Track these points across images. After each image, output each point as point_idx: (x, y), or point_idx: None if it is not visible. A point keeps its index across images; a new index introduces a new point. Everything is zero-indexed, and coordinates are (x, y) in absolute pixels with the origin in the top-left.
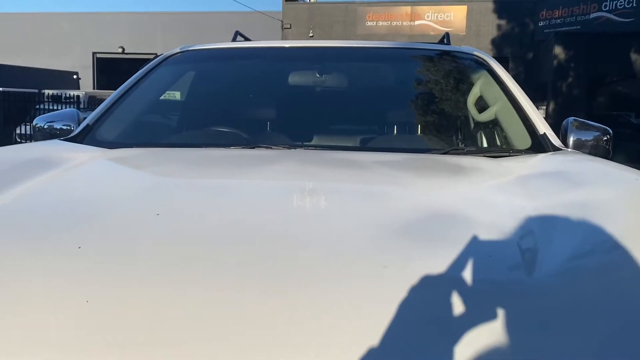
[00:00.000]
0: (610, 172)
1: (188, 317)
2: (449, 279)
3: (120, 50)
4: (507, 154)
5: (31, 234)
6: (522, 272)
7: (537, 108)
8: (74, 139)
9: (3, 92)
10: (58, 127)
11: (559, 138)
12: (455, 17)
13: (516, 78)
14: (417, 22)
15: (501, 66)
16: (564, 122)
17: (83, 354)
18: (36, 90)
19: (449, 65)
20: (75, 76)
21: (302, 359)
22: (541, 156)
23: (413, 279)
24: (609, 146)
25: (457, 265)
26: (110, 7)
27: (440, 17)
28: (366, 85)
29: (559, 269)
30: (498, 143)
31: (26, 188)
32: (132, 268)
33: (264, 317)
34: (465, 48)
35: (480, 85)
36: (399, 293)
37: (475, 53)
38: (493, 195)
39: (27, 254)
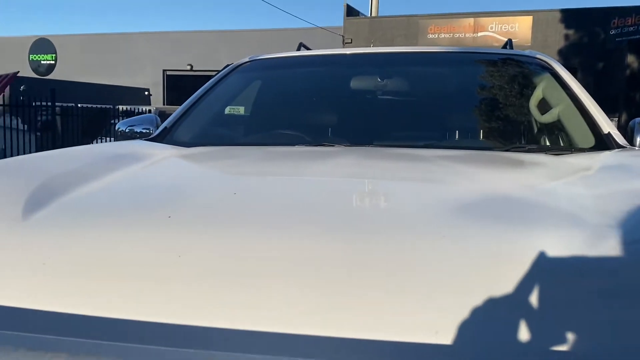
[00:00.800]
0: None
1: (265, 265)
2: (500, 254)
3: (188, 67)
4: (569, 151)
5: (129, 207)
6: (576, 250)
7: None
8: (154, 139)
9: (81, 107)
10: (138, 130)
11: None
12: (520, 28)
13: (585, 89)
14: (480, 34)
15: (565, 69)
16: (631, 123)
17: (179, 301)
18: (111, 106)
19: (510, 69)
20: (146, 92)
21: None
22: (604, 153)
23: (469, 250)
24: None
25: (508, 239)
26: (180, 26)
27: (505, 28)
28: (427, 89)
29: (613, 250)
30: (561, 143)
31: (120, 175)
32: (215, 229)
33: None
34: (528, 52)
35: (543, 88)
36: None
37: (538, 56)
38: (551, 183)
39: (128, 222)
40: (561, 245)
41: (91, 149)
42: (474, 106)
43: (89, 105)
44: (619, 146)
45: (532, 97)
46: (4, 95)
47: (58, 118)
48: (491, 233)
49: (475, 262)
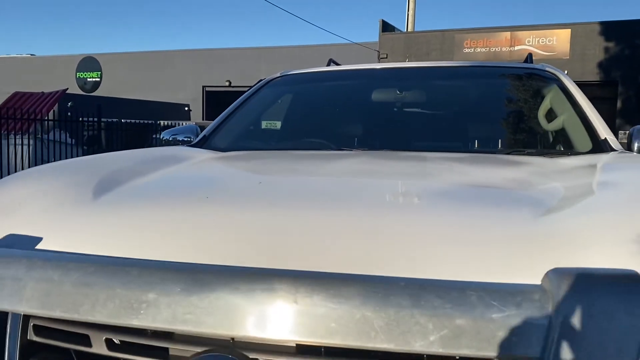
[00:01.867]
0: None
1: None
2: (468, 216)
3: (227, 83)
4: (566, 155)
5: (176, 192)
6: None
7: None
8: (194, 145)
9: (125, 123)
10: (180, 139)
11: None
12: (558, 41)
13: (626, 102)
14: (517, 48)
15: (571, 80)
16: (631, 130)
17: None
18: (152, 121)
19: (521, 82)
20: (186, 108)
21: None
22: (594, 155)
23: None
24: None
25: (473, 205)
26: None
27: (542, 42)
28: (440, 101)
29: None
30: (562, 148)
31: (166, 171)
32: (240, 206)
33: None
34: (539, 65)
35: (551, 98)
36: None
37: (548, 69)
38: (529, 176)
39: (175, 202)
40: (504, 216)
41: (143, 151)
42: (484, 115)
43: (132, 121)
44: (613, 150)
45: (540, 107)
46: (53, 111)
47: (103, 132)
48: (452, 206)
49: (438, 227)
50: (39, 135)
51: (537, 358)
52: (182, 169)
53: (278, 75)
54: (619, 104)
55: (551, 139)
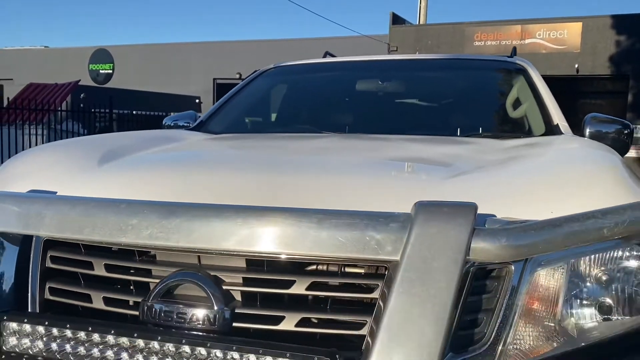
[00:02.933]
0: (572, 143)
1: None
2: (398, 178)
3: (237, 76)
4: (518, 137)
5: (166, 161)
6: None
7: None
8: (192, 129)
9: (136, 114)
10: (181, 124)
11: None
12: (569, 34)
13: (638, 96)
14: (527, 41)
15: (537, 72)
16: (585, 117)
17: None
18: (163, 113)
19: (491, 73)
20: (197, 100)
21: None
22: (540, 137)
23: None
24: (629, 140)
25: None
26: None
27: (553, 35)
28: (416, 89)
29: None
30: (520, 132)
31: (163, 147)
32: (218, 170)
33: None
34: (511, 58)
35: (517, 88)
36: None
37: (518, 62)
38: (468, 152)
39: (163, 166)
40: (415, 176)
41: (144, 132)
42: (452, 103)
43: (143, 112)
44: (561, 134)
45: (508, 95)
46: (66, 102)
47: (115, 124)
48: (376, 169)
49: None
50: (53, 126)
51: (397, 260)
52: (176, 146)
53: (272, 66)
54: (630, 98)
55: (513, 124)
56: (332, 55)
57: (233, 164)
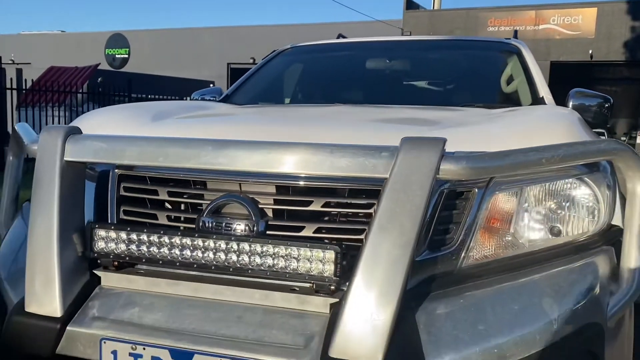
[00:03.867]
0: (546, 109)
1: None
2: (392, 129)
3: (251, 60)
4: (507, 107)
5: (204, 120)
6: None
7: None
8: (219, 101)
9: (152, 98)
10: (207, 98)
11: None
12: (583, 20)
13: None
14: (541, 27)
15: (529, 52)
16: (570, 91)
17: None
18: (178, 97)
19: (488, 52)
20: (211, 85)
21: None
22: (525, 107)
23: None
24: (608, 112)
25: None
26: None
27: (567, 21)
28: (421, 68)
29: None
30: (511, 103)
31: (198, 113)
32: (247, 124)
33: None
34: (508, 39)
35: (511, 66)
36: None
37: (513, 43)
38: (459, 116)
39: (202, 121)
40: (415, 129)
41: (181, 102)
42: (452, 79)
43: (160, 96)
44: (545, 104)
45: (504, 72)
46: (87, 84)
47: None
48: (377, 126)
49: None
50: (74, 108)
51: (387, 177)
52: (210, 112)
53: (288, 46)
54: None
55: (505, 96)
56: (344, 37)
57: (260, 120)
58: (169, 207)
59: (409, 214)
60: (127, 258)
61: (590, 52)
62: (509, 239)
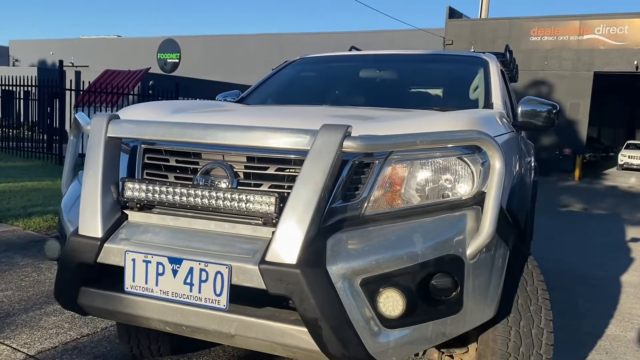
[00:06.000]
0: (473, 111)
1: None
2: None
3: None
4: (460, 109)
5: (217, 113)
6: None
7: None
8: (235, 102)
9: None
10: (229, 99)
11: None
12: (630, 31)
13: None
14: (585, 37)
15: (497, 64)
16: (522, 99)
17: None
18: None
19: (459, 65)
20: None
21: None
22: (472, 109)
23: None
24: (556, 117)
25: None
26: (289, 28)
27: (613, 31)
28: (403, 78)
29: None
30: (469, 108)
31: (214, 109)
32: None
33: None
34: (479, 53)
35: (478, 77)
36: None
37: (483, 57)
38: (399, 114)
39: (214, 113)
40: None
41: (200, 101)
42: (423, 87)
43: (203, 100)
44: (492, 109)
45: (472, 81)
46: (138, 87)
47: None
48: (327, 120)
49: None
50: None
51: (308, 149)
52: (218, 109)
53: (298, 57)
54: None
55: (464, 102)
56: (357, 49)
57: (248, 114)
58: (177, 170)
59: (319, 172)
60: (146, 202)
61: (636, 62)
62: (401, 196)
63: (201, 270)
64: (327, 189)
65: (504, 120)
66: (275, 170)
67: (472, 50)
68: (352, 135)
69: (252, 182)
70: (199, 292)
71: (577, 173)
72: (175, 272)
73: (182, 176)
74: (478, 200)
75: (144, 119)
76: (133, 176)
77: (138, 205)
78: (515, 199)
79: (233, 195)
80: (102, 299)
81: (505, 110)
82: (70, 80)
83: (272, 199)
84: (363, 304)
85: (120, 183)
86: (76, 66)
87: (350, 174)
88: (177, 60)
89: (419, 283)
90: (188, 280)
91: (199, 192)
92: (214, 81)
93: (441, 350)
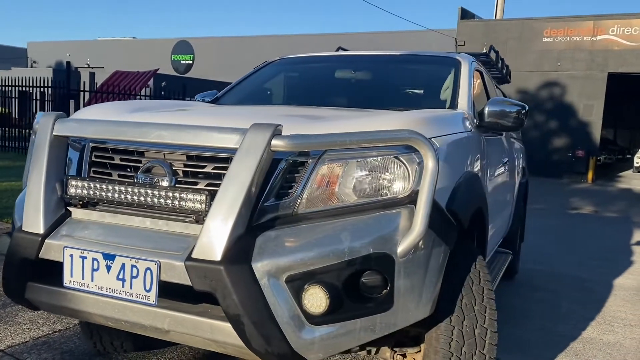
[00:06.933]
0: (424, 111)
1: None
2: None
3: None
4: (425, 109)
5: (174, 112)
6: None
7: None
8: (208, 102)
9: None
10: (207, 100)
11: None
12: None
13: None
14: (599, 37)
15: (469, 65)
16: (491, 99)
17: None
18: None
19: (434, 66)
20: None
21: None
22: (437, 109)
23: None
24: (525, 117)
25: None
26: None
27: (627, 31)
28: (375, 78)
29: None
30: (436, 108)
31: (177, 108)
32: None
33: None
34: (453, 54)
35: (449, 77)
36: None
37: (457, 57)
38: (354, 114)
39: (169, 112)
40: (297, 122)
41: (165, 101)
42: (393, 87)
43: None
44: (456, 109)
45: (444, 84)
46: (148, 88)
47: None
48: (271, 120)
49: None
50: None
51: (237, 147)
52: (181, 108)
53: (277, 58)
54: None
55: (432, 102)
56: (345, 50)
57: (204, 114)
58: (121, 168)
59: (246, 170)
60: (87, 199)
61: None
62: (335, 195)
63: (132, 266)
64: (256, 187)
65: (465, 120)
66: (212, 169)
67: (484, 50)
68: (282, 134)
69: (190, 180)
70: (130, 287)
71: (590, 175)
72: (109, 268)
73: (124, 174)
74: (413, 199)
75: (96, 118)
76: (82, 174)
77: (81, 203)
78: (458, 199)
79: (167, 193)
80: (46, 293)
81: (472, 111)
82: (84, 82)
83: (203, 197)
84: (288, 301)
85: (64, 180)
86: (92, 67)
87: (284, 173)
88: (191, 62)
89: (345, 280)
90: (120, 276)
91: (135, 190)
92: (227, 82)
93: (394, 349)
